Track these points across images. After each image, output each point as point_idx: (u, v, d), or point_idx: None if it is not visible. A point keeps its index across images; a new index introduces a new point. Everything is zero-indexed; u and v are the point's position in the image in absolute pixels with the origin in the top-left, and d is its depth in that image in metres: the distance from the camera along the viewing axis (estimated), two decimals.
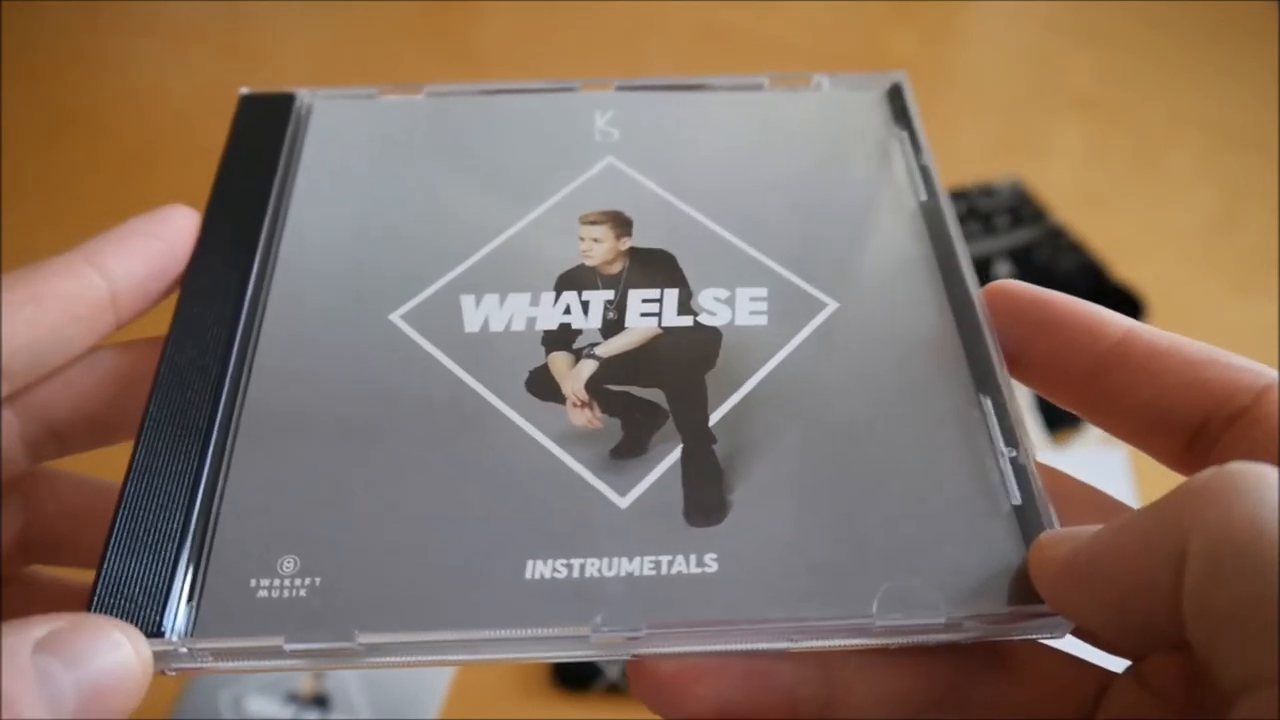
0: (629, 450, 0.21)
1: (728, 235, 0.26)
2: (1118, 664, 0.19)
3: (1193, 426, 0.19)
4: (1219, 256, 0.78)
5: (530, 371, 0.23)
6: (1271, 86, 0.88)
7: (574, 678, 0.53)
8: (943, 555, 0.20)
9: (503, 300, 0.24)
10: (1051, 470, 0.21)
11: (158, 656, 0.18)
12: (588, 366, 0.23)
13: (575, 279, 0.25)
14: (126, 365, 0.23)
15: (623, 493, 0.21)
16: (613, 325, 0.24)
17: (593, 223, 0.26)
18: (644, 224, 0.26)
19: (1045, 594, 0.18)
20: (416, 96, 0.29)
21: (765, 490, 0.21)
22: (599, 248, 0.25)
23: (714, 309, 0.24)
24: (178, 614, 0.19)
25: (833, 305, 0.24)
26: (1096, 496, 0.21)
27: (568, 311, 0.24)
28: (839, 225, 0.26)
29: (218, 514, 0.20)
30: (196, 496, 0.20)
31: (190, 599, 0.19)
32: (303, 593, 0.19)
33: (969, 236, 0.77)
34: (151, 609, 0.19)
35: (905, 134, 0.28)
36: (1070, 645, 0.20)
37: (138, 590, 0.19)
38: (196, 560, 0.20)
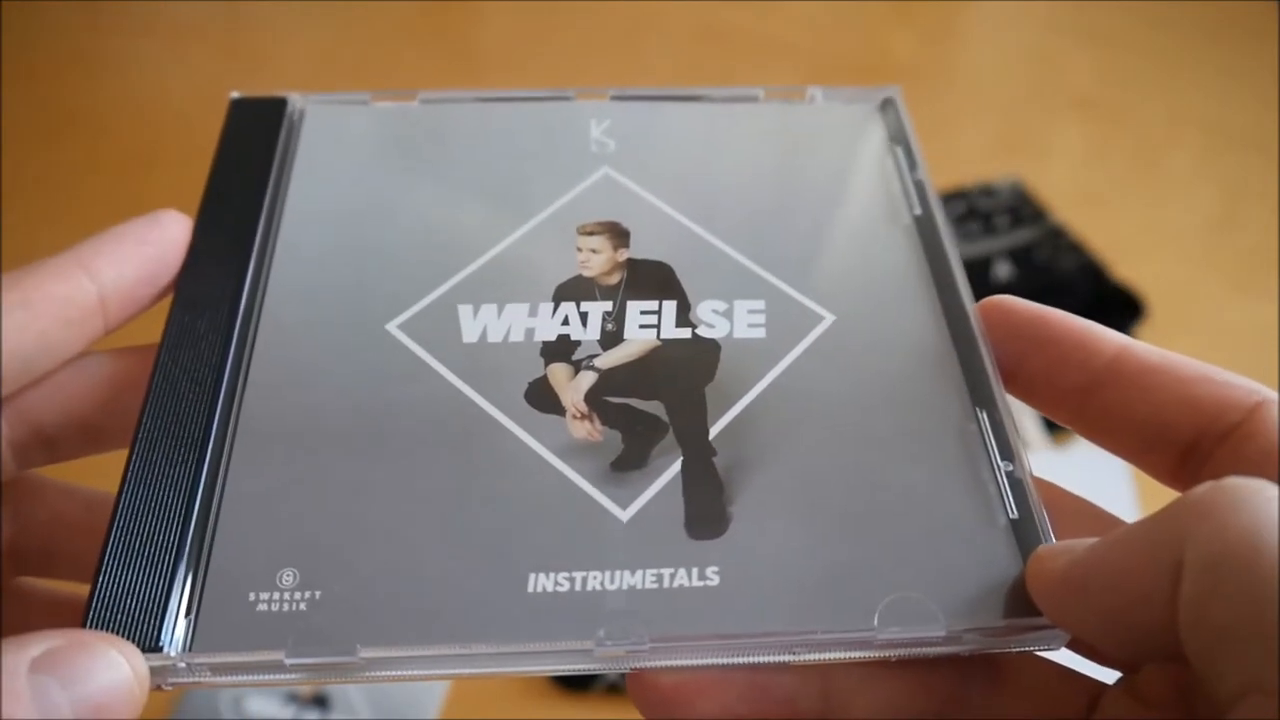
0: (630, 463, 0.22)
1: (724, 247, 0.26)
2: (1110, 676, 0.19)
3: (1186, 443, 0.19)
4: (1219, 256, 0.78)
5: (529, 383, 0.23)
6: (1271, 86, 0.88)
7: (574, 678, 0.53)
8: (941, 569, 0.20)
9: (500, 310, 0.24)
10: (1047, 484, 0.22)
11: (155, 671, 0.18)
12: (587, 378, 0.23)
13: (573, 290, 0.25)
14: (116, 371, 0.23)
15: (624, 505, 0.21)
16: (611, 337, 0.24)
17: (590, 233, 0.26)
18: (641, 235, 0.26)
19: (1043, 606, 0.19)
20: (411, 103, 0.29)
21: (766, 503, 0.21)
22: (597, 258, 0.25)
23: (712, 321, 0.24)
24: (175, 628, 0.19)
25: (830, 318, 0.24)
26: (1092, 510, 0.21)
27: (566, 322, 0.24)
28: (835, 239, 0.26)
29: (215, 526, 0.20)
30: (193, 508, 0.20)
31: (188, 613, 0.19)
32: (303, 606, 0.19)
33: (969, 237, 0.77)
34: (149, 623, 0.18)
35: (900, 148, 0.28)
36: (1063, 657, 0.20)
37: (134, 604, 0.19)
38: (194, 573, 0.19)
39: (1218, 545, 0.15)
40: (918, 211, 0.26)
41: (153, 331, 0.23)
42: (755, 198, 0.27)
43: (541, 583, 0.19)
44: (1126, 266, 0.74)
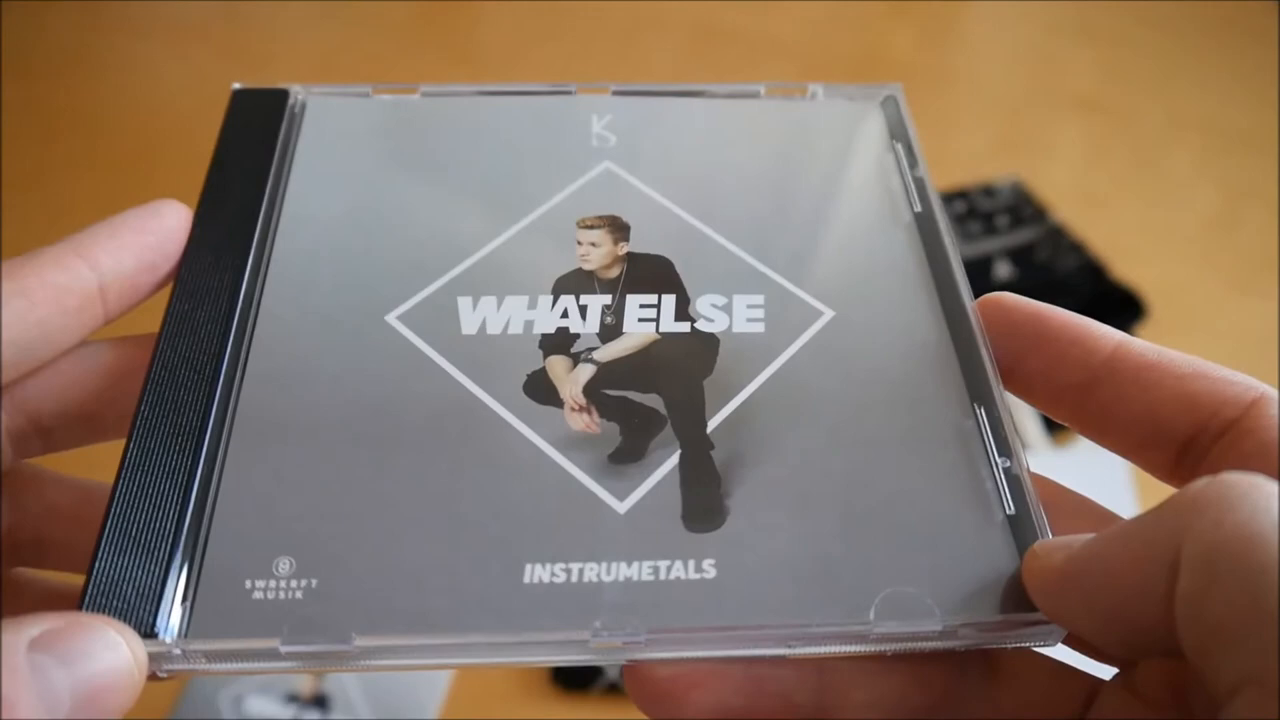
0: (627, 455, 0.22)
1: (724, 242, 0.26)
2: (1107, 672, 0.19)
3: (1183, 440, 0.19)
4: (1219, 256, 0.78)
5: (528, 375, 0.23)
6: (1271, 86, 0.88)
7: (574, 678, 0.53)
8: (938, 563, 0.20)
9: (500, 303, 0.24)
10: (1046, 481, 0.22)
11: (151, 658, 0.18)
12: (586, 371, 0.23)
13: (573, 283, 0.25)
14: (115, 360, 0.23)
15: (621, 497, 0.21)
16: (610, 330, 0.24)
17: (590, 227, 0.26)
18: (641, 229, 0.26)
19: (1039, 602, 0.19)
20: (413, 96, 0.29)
21: (762, 497, 0.21)
22: (597, 252, 0.25)
23: (711, 315, 0.24)
24: (171, 615, 0.19)
25: (829, 314, 0.24)
26: (1088, 506, 0.21)
27: (565, 315, 0.24)
28: (834, 235, 0.26)
29: (212, 514, 0.20)
30: (190, 495, 0.20)
31: (184, 599, 0.19)
32: (299, 594, 0.19)
33: (969, 236, 0.77)
34: (145, 609, 0.18)
35: (900, 145, 0.28)
36: (1060, 653, 0.20)
37: (130, 590, 0.19)
38: (190, 560, 0.19)
39: (1214, 540, 0.15)
40: (918, 209, 0.26)
41: (152, 321, 0.23)
42: (755, 193, 0.27)
43: (538, 574, 0.19)
44: (1126, 266, 0.74)
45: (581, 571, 0.20)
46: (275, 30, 0.94)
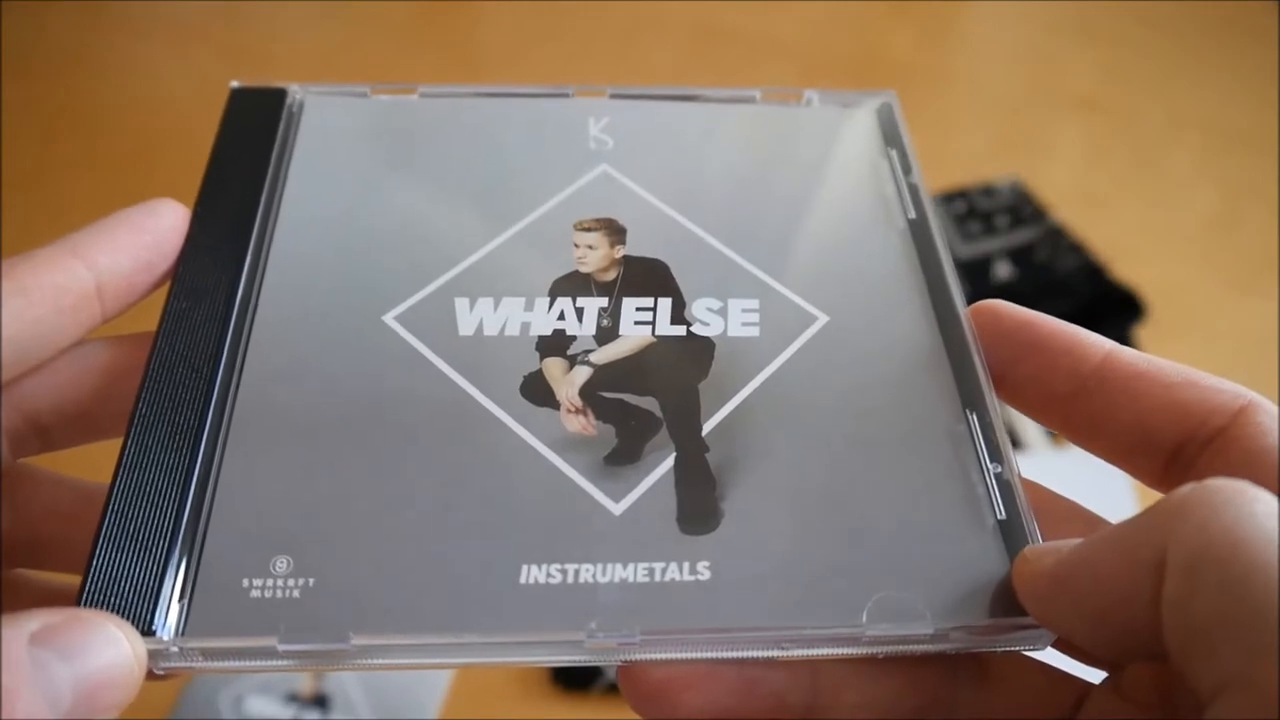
0: (623, 457, 0.22)
1: (720, 246, 0.26)
2: (1095, 675, 0.19)
3: (1172, 447, 0.20)
4: (1219, 256, 0.78)
5: (524, 376, 0.23)
6: (1271, 86, 0.88)
7: (573, 678, 0.53)
8: (929, 567, 0.20)
9: (497, 304, 0.24)
10: (1037, 487, 0.22)
11: (149, 655, 0.18)
12: (582, 373, 0.23)
13: (570, 285, 0.25)
14: (112, 359, 0.23)
15: (617, 499, 0.21)
16: (607, 332, 0.24)
17: (587, 229, 0.26)
18: (637, 232, 0.26)
19: (1029, 606, 0.19)
20: (411, 97, 0.29)
21: (757, 500, 0.21)
22: (593, 254, 0.26)
23: (707, 319, 0.24)
24: (169, 613, 0.19)
25: (823, 319, 0.24)
26: (1078, 511, 0.21)
27: (562, 317, 0.24)
28: (829, 240, 0.26)
29: (210, 512, 0.20)
30: (188, 494, 0.20)
31: (182, 597, 0.19)
32: (296, 593, 0.19)
33: (969, 237, 0.77)
34: (142, 607, 0.19)
35: (895, 151, 0.28)
36: (1050, 657, 0.20)
37: (128, 588, 0.19)
38: (188, 558, 0.19)
39: (1198, 545, 0.15)
40: (912, 215, 0.27)
41: (150, 320, 0.23)
42: (751, 198, 0.27)
43: (534, 574, 0.20)
44: (1126, 266, 0.74)
45: (577, 572, 0.20)
46: (275, 30, 0.94)
